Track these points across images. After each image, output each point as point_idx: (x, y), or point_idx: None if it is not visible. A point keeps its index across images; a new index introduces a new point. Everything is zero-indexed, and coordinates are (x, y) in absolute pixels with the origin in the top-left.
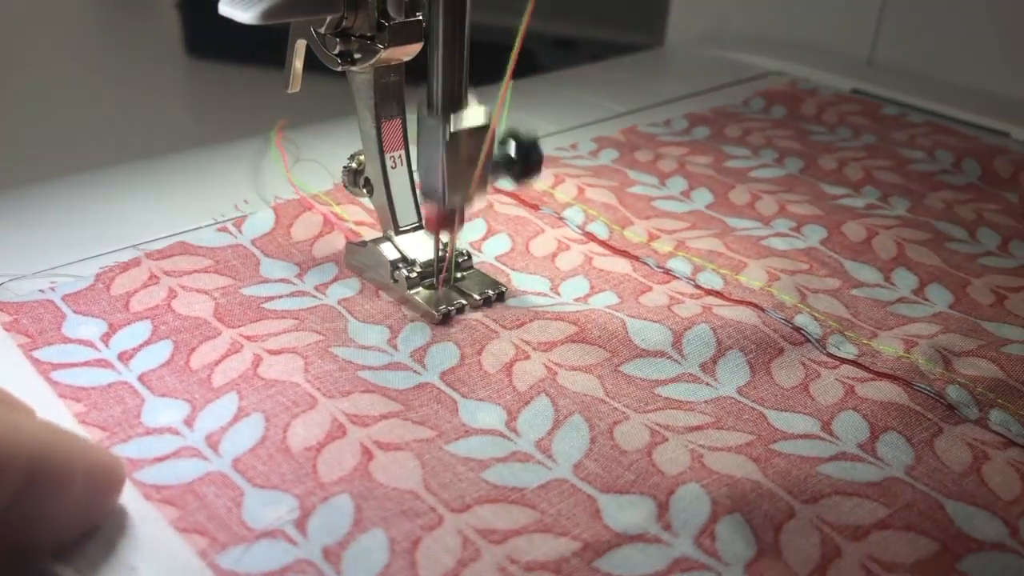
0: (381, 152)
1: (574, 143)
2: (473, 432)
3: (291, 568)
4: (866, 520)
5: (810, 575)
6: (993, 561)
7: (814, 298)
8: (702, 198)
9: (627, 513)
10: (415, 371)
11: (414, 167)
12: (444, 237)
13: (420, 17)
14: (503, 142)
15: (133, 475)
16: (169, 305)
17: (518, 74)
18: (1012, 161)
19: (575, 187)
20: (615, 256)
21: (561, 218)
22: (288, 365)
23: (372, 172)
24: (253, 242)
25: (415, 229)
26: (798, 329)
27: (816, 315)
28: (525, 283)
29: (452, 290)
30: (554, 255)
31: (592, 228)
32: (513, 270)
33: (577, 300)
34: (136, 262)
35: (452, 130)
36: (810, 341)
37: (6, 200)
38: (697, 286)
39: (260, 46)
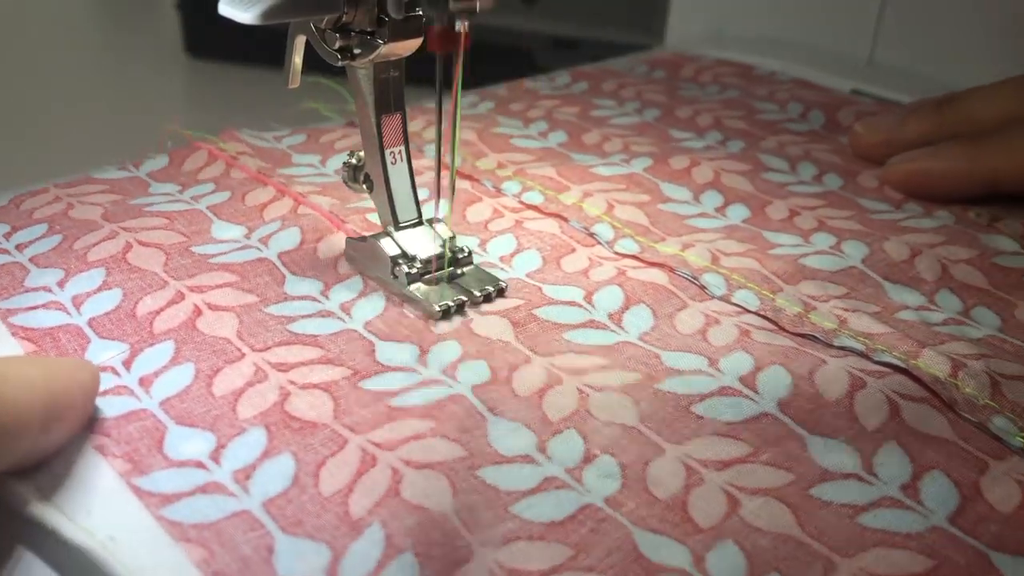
0: (381, 148)
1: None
2: (292, 298)
3: (110, 391)
4: (587, 366)
5: (529, 396)
6: (688, 382)
7: (620, 209)
8: (556, 139)
9: (397, 353)
10: (257, 248)
11: (414, 163)
12: (443, 233)
13: (420, 13)
14: None
15: (8, 320)
16: (66, 213)
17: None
18: (855, 111)
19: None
20: (461, 180)
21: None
22: (151, 258)
23: (372, 168)
24: (148, 174)
25: (415, 225)
26: (592, 235)
27: (615, 224)
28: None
29: (451, 286)
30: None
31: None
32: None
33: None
34: (44, 190)
35: None
36: (600, 244)
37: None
38: (521, 202)
39: (260, 46)
